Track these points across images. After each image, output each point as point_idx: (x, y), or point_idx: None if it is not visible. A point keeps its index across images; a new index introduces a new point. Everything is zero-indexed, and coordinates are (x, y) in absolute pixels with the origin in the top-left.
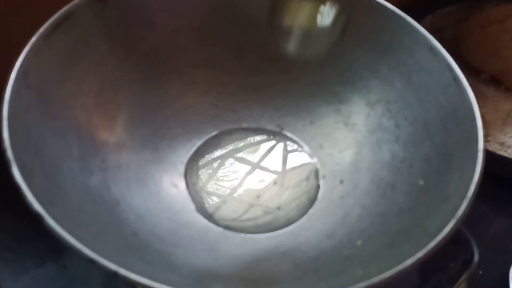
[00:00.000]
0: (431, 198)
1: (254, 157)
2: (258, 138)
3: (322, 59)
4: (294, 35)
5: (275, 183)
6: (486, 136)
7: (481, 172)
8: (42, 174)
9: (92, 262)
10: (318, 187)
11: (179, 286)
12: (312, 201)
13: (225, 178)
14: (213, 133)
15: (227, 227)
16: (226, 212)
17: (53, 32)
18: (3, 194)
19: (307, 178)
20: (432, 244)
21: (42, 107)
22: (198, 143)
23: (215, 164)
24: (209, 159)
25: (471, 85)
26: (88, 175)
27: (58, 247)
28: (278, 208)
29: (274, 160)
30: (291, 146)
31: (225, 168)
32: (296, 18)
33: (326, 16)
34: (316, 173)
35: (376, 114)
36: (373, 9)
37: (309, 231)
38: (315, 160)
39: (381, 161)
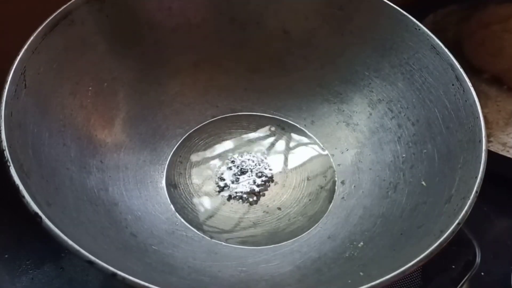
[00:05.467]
0: (434, 199)
1: (254, 157)
2: (258, 138)
3: (324, 59)
4: None
5: (276, 183)
6: (488, 136)
7: (483, 172)
8: (40, 175)
9: (90, 263)
10: (319, 187)
11: None
12: (313, 202)
13: (225, 179)
14: (213, 133)
15: (223, 239)
16: (226, 213)
17: (51, 31)
18: (1, 196)
19: (308, 178)
20: (435, 245)
21: (40, 107)
22: (198, 143)
23: (215, 164)
24: (210, 159)
25: (473, 85)
26: (86, 176)
27: (57, 248)
28: (279, 209)
29: (274, 160)
30: (291, 146)
31: (224, 167)
32: None
33: None
34: (317, 174)
35: (378, 114)
36: (375, 8)
37: (309, 233)
38: (316, 160)
39: (383, 162)
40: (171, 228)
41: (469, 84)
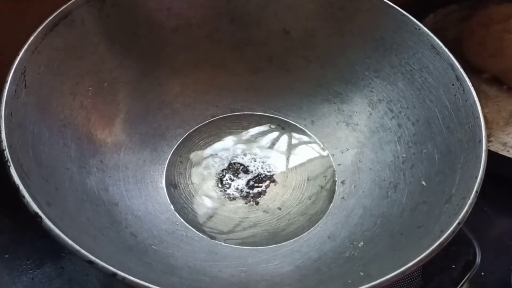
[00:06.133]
0: (434, 199)
1: (254, 157)
2: (258, 137)
3: (324, 59)
4: None
5: (276, 182)
6: (488, 136)
7: (483, 172)
8: (40, 175)
9: (90, 263)
10: (319, 187)
11: None
12: (313, 201)
13: (225, 178)
14: (213, 133)
15: (223, 239)
16: (226, 213)
17: (51, 31)
18: (1, 196)
19: (308, 178)
20: (435, 245)
21: (40, 107)
22: (198, 142)
23: (215, 164)
24: (210, 159)
25: (473, 84)
26: (86, 176)
27: (57, 248)
28: (279, 209)
29: (274, 160)
30: (292, 146)
31: (225, 167)
32: None
33: None
34: (318, 174)
35: (378, 114)
36: (375, 8)
37: (310, 232)
38: (316, 160)
39: (383, 162)
40: (171, 228)
41: (469, 84)
